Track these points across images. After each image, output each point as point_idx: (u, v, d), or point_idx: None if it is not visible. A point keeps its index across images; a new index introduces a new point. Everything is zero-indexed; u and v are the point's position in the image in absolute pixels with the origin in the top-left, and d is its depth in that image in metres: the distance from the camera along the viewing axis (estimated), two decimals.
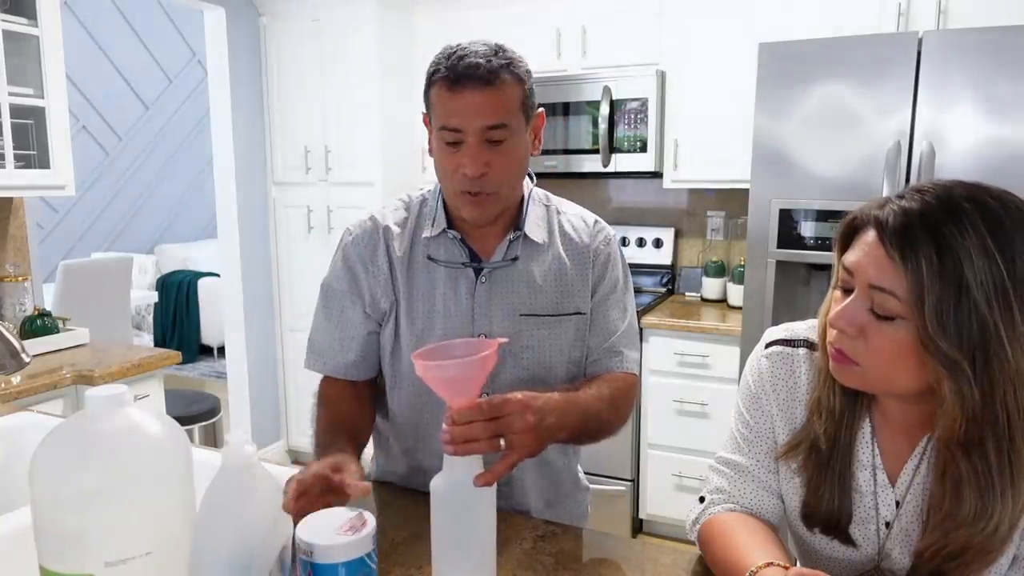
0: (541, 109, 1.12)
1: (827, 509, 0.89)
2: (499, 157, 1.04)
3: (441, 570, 0.83)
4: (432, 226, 1.15)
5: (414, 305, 1.14)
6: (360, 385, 1.19)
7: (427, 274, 1.14)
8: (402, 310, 1.15)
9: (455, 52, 1.03)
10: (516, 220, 1.15)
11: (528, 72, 1.08)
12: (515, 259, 1.13)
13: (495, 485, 0.83)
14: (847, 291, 0.81)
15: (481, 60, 1.01)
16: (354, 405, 1.16)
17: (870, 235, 0.78)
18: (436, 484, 0.82)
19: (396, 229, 1.17)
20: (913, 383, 0.78)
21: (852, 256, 0.80)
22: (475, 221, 1.11)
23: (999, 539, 0.78)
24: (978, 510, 0.77)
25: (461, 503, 0.81)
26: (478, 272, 1.13)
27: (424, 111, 1.11)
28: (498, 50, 1.04)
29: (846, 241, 0.83)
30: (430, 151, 1.11)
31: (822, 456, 0.88)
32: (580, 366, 1.18)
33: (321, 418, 1.13)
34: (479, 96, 1.01)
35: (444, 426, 0.82)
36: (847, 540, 0.90)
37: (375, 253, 1.15)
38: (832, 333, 0.82)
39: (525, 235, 1.14)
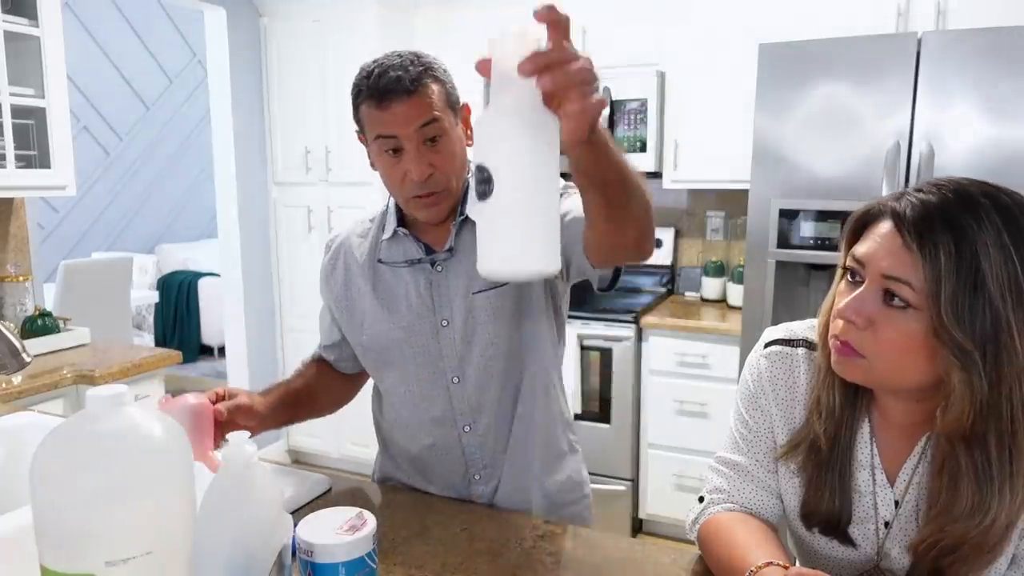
0: (465, 102, 1.16)
1: (827, 509, 0.89)
2: (440, 156, 1.08)
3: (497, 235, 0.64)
4: (384, 231, 1.20)
5: (379, 304, 1.19)
6: (333, 371, 1.32)
7: (392, 272, 1.19)
8: (368, 310, 1.19)
9: (374, 70, 1.06)
10: (459, 207, 1.17)
11: (446, 71, 1.12)
12: (450, 249, 1.15)
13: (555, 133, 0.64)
14: (855, 282, 0.81)
15: (401, 72, 1.04)
16: (313, 380, 1.29)
17: (884, 226, 0.79)
18: (485, 120, 0.64)
19: (358, 240, 1.24)
20: (919, 377, 0.78)
21: (864, 246, 0.80)
22: (431, 220, 1.15)
23: (995, 535, 0.78)
24: (975, 504, 0.77)
25: (521, 129, 0.62)
26: (433, 263, 1.17)
27: (357, 129, 1.14)
28: (414, 58, 1.07)
29: (856, 233, 0.84)
30: (372, 165, 1.14)
31: (822, 456, 0.88)
32: (539, 325, 1.17)
33: (291, 376, 1.29)
34: (406, 106, 1.04)
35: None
36: (846, 540, 0.90)
37: (333, 271, 1.25)
38: (838, 325, 0.82)
39: (469, 220, 1.15)
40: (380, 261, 1.20)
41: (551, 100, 0.62)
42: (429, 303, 1.16)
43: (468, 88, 1.18)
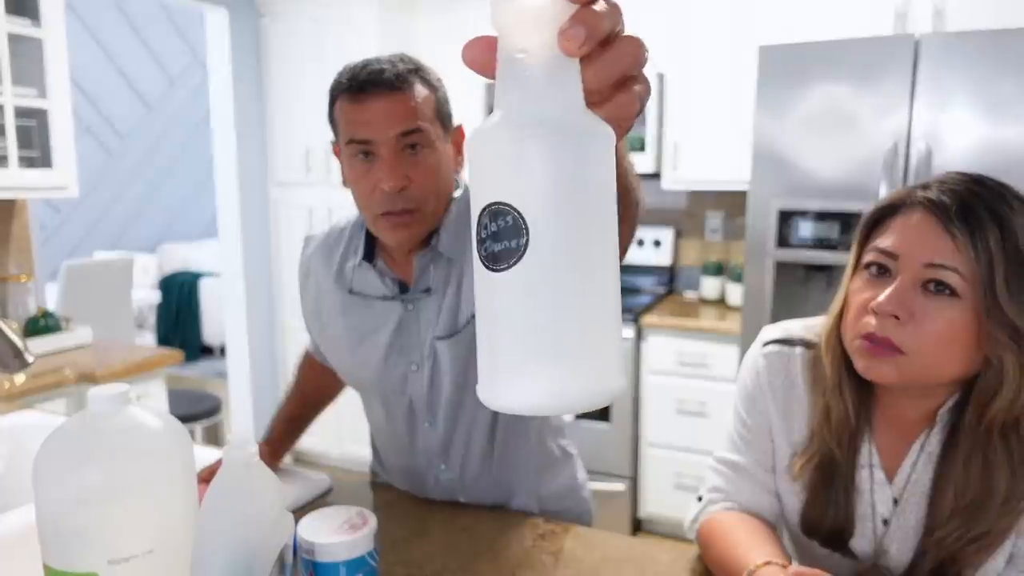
0: (460, 123, 1.03)
1: (830, 526, 0.89)
2: (418, 169, 0.95)
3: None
4: (355, 256, 1.09)
5: (348, 337, 1.11)
6: (323, 367, 1.28)
7: (363, 305, 1.09)
8: (338, 338, 1.13)
9: (357, 64, 0.96)
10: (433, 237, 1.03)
11: (440, 80, 0.99)
12: (428, 289, 1.04)
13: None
14: (881, 277, 0.80)
15: (386, 66, 0.93)
16: (308, 387, 1.30)
17: (915, 217, 0.79)
18: (493, 139, 0.37)
19: (325, 257, 1.14)
20: (958, 368, 0.78)
21: (894, 238, 0.80)
22: (401, 246, 1.01)
23: (1020, 516, 0.79)
24: (1010, 491, 0.78)
25: (577, 147, 0.36)
26: (405, 302, 1.05)
27: (332, 140, 1.03)
28: (404, 57, 0.97)
29: (872, 228, 0.84)
30: (344, 182, 1.01)
31: (831, 469, 0.88)
32: None
33: (290, 389, 1.31)
34: (387, 102, 0.92)
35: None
36: (847, 553, 0.90)
37: (306, 280, 1.18)
38: (870, 323, 0.79)
39: (438, 252, 1.02)
40: (351, 292, 1.09)
41: (597, 93, 0.38)
42: (398, 347, 1.06)
43: (469, 95, 1.11)
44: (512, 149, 0.35)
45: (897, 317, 0.77)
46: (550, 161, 0.34)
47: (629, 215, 0.69)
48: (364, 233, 1.08)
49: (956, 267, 0.75)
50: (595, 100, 0.38)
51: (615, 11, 0.36)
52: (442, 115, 0.99)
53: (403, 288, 1.07)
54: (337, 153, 1.02)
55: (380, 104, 0.93)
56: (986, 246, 0.74)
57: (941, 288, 0.76)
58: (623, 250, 0.75)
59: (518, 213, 0.34)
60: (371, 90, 0.93)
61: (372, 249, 1.08)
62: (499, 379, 0.35)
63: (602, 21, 0.35)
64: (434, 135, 0.96)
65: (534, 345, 0.34)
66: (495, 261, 0.35)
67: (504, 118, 0.36)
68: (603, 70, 0.37)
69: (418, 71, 0.96)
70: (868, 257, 0.82)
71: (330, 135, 1.04)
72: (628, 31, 0.38)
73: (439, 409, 1.09)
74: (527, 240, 0.34)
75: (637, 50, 0.38)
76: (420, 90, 0.95)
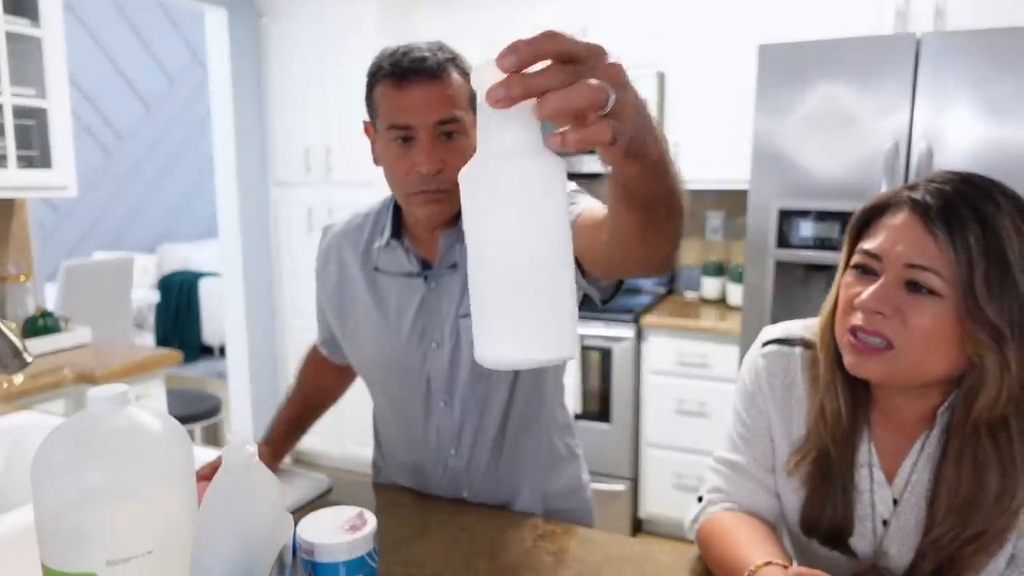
0: None
1: (828, 524, 0.89)
2: (453, 154, 1.01)
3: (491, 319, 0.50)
4: (381, 236, 1.14)
5: (371, 319, 1.14)
6: (328, 363, 1.31)
7: (386, 284, 1.13)
8: (360, 322, 1.16)
9: (397, 50, 1.01)
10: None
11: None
12: (454, 265, 1.09)
13: (561, 179, 0.49)
14: (868, 277, 0.81)
15: (427, 54, 0.99)
16: (309, 389, 1.33)
17: (900, 216, 0.79)
18: (469, 171, 0.51)
19: (350, 241, 1.18)
20: (944, 366, 0.79)
21: (878, 239, 0.80)
22: (431, 220, 1.06)
23: (1018, 516, 0.79)
24: (1002, 489, 0.78)
25: (515, 189, 0.48)
26: (427, 279, 1.10)
27: (366, 120, 1.08)
28: (442, 46, 1.03)
29: (861, 228, 0.84)
30: (375, 160, 1.08)
31: (828, 467, 0.88)
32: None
33: (291, 390, 1.32)
34: (427, 90, 0.98)
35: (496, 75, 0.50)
36: (846, 551, 0.90)
37: (325, 266, 1.21)
38: (858, 317, 0.80)
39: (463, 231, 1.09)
40: (376, 269, 1.14)
41: (573, 120, 0.49)
42: (421, 325, 1.11)
43: None
44: (470, 186, 0.50)
45: (882, 313, 0.78)
46: (485, 195, 0.49)
47: (669, 225, 0.67)
48: (391, 212, 1.13)
49: (936, 268, 0.76)
50: (575, 124, 0.48)
51: (553, 73, 0.46)
52: (475, 103, 1.02)
53: (426, 266, 1.11)
54: (369, 132, 1.08)
55: (421, 92, 0.99)
56: (966, 246, 0.74)
57: (921, 288, 0.77)
58: (663, 258, 0.73)
59: (478, 237, 0.50)
60: (412, 77, 0.98)
61: (399, 228, 1.13)
62: (479, 342, 0.51)
63: (520, 84, 0.46)
64: (468, 122, 1.02)
65: (498, 324, 0.50)
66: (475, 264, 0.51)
67: (472, 160, 0.51)
68: (557, 104, 0.46)
69: (455, 60, 1.03)
70: (855, 259, 0.83)
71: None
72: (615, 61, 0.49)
73: (456, 388, 1.11)
74: (486, 255, 0.49)
75: (594, 94, 0.46)
76: (456, 79, 1.01)
